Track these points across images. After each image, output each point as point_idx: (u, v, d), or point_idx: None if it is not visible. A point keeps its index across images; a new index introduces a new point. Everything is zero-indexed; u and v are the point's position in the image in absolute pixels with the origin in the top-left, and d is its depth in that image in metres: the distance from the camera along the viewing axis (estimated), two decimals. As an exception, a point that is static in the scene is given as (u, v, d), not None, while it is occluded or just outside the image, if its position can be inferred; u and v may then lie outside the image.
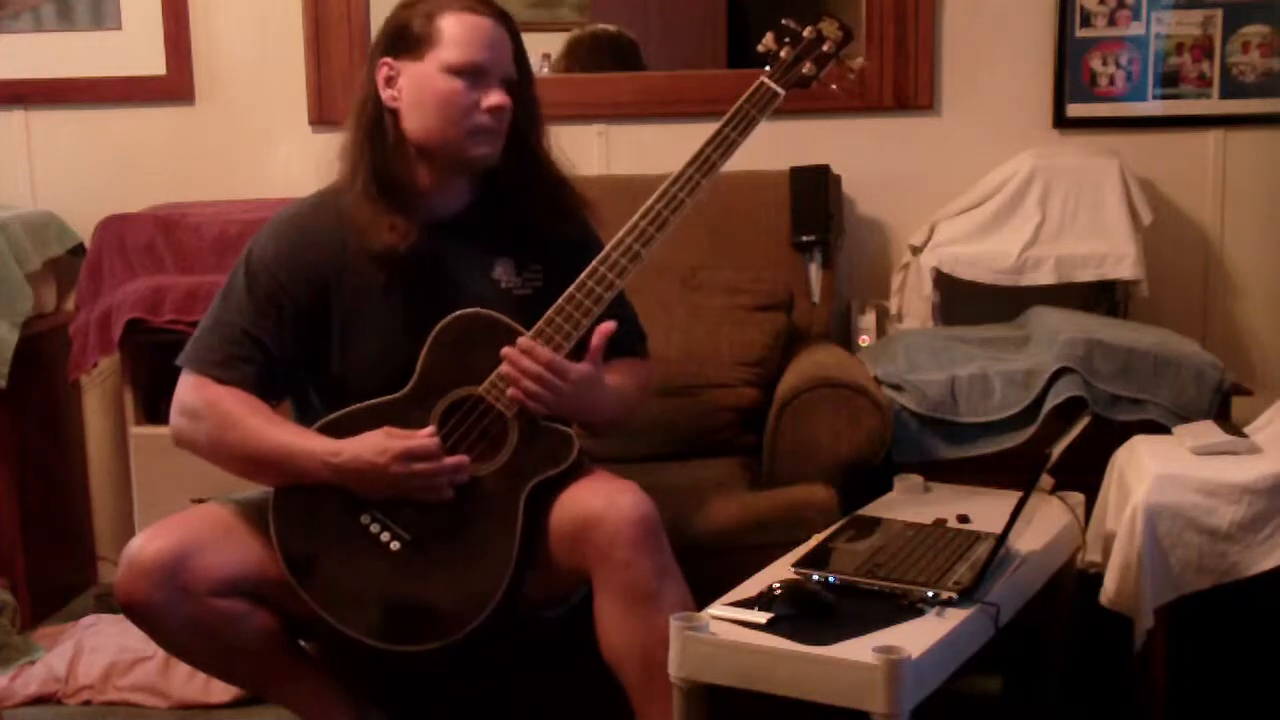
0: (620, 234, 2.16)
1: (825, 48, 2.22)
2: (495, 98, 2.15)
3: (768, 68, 2.24)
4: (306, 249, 2.22)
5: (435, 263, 2.20)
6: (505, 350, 2.11)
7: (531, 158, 2.25)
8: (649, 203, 2.17)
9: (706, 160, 2.19)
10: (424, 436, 2.10)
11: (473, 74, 2.14)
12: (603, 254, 2.15)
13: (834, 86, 2.26)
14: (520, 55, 2.23)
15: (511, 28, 2.21)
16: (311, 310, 2.21)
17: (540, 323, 2.14)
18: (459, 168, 2.21)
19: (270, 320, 2.20)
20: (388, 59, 2.18)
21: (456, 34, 2.14)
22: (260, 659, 2.24)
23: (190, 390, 2.20)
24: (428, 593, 2.13)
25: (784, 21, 2.22)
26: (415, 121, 2.18)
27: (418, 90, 2.16)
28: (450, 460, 2.10)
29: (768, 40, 2.23)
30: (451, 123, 2.16)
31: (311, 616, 2.18)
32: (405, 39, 2.17)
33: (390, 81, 2.18)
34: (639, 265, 2.15)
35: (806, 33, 2.23)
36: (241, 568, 2.16)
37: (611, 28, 3.56)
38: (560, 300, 2.14)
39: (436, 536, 2.13)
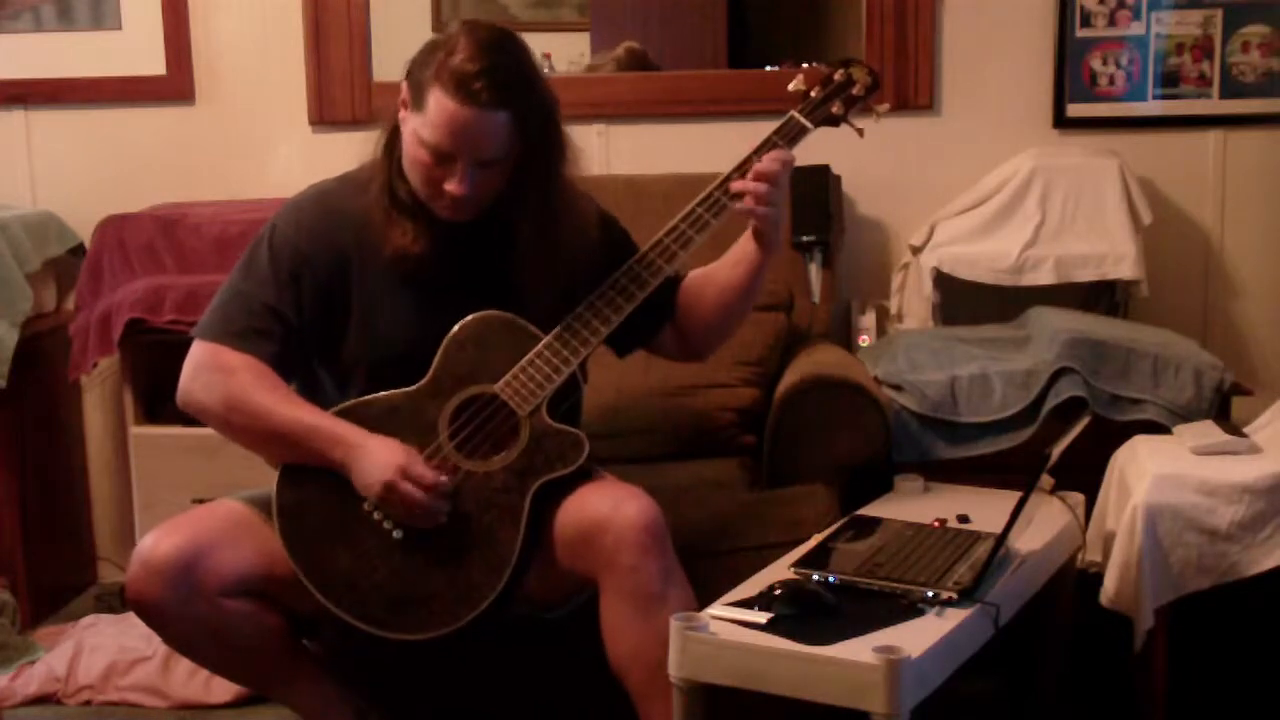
0: (644, 250, 2.22)
1: (855, 91, 2.28)
2: (453, 185, 2.10)
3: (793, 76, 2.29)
4: (330, 224, 2.22)
5: (449, 258, 2.21)
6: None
7: (539, 215, 2.18)
8: (672, 223, 2.22)
9: (730, 180, 2.23)
10: (439, 475, 2.11)
11: (438, 155, 2.10)
12: (637, 256, 2.21)
13: (859, 126, 2.31)
14: (533, 129, 2.12)
15: (514, 110, 2.08)
16: (331, 286, 2.21)
17: (569, 317, 2.17)
18: None
19: (291, 294, 2.19)
20: (406, 84, 2.15)
21: (433, 114, 2.07)
22: (265, 658, 2.24)
23: (207, 355, 2.19)
24: (425, 582, 2.14)
25: (814, 64, 2.28)
26: (403, 159, 2.18)
27: (405, 135, 2.16)
28: (441, 503, 2.11)
29: (798, 81, 2.28)
30: (418, 183, 2.16)
31: (315, 614, 2.19)
32: (414, 81, 2.13)
33: (404, 105, 2.17)
34: (667, 272, 2.22)
35: (837, 75, 2.28)
36: (251, 567, 2.16)
37: (636, 45, 3.57)
38: (584, 306, 2.18)
39: (439, 528, 2.14)
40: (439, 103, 2.07)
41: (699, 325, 2.36)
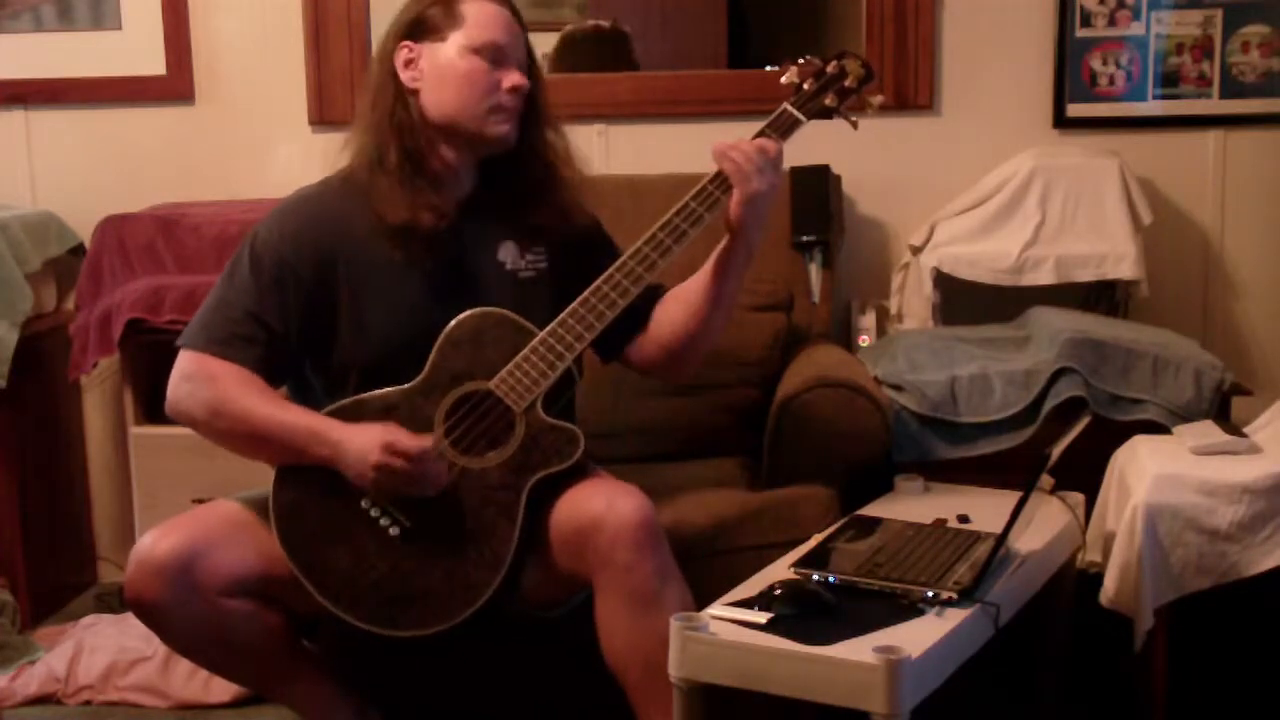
0: (639, 243, 2.20)
1: (848, 83, 2.28)
2: (515, 78, 2.22)
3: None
4: (313, 228, 2.24)
5: (448, 243, 2.22)
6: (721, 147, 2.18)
7: (534, 148, 2.29)
8: (667, 216, 2.21)
9: (721, 180, 2.21)
10: (422, 440, 2.11)
11: (494, 54, 2.21)
12: (630, 253, 2.20)
13: (853, 119, 2.30)
14: (529, 51, 2.29)
15: (522, 24, 2.28)
16: (318, 289, 2.22)
17: (564, 313, 2.17)
18: (477, 147, 2.25)
19: (275, 300, 2.21)
20: (407, 42, 2.22)
21: (478, 17, 2.21)
22: (264, 658, 2.25)
23: (191, 363, 2.21)
24: (423, 579, 2.14)
25: (808, 57, 2.28)
26: (436, 101, 2.22)
27: (439, 70, 2.21)
28: (434, 467, 2.11)
29: (791, 73, 2.29)
30: (473, 101, 2.21)
31: (315, 614, 2.19)
32: (424, 24, 2.22)
33: (410, 64, 2.22)
34: (662, 266, 2.20)
35: (830, 67, 2.28)
36: (250, 567, 2.17)
37: (604, 22, 3.57)
38: (578, 301, 2.18)
39: (435, 525, 2.14)
40: (478, 7, 2.22)
41: (673, 335, 2.31)
